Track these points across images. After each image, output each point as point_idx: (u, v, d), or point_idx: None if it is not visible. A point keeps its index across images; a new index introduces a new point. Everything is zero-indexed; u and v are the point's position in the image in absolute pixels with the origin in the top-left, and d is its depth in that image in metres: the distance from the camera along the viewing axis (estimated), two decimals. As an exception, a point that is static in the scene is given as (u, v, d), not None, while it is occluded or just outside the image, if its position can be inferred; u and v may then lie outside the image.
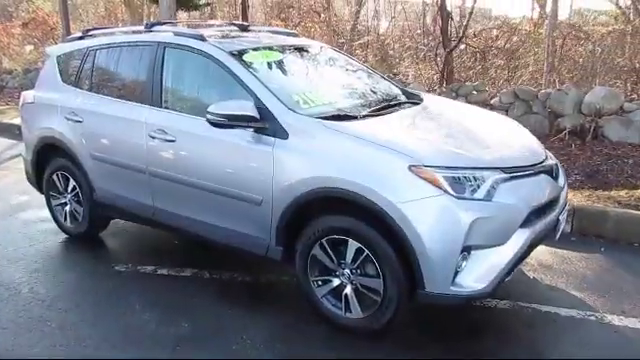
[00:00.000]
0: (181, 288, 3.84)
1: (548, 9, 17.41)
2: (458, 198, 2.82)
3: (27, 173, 4.99)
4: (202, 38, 3.79)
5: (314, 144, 3.16)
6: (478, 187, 2.89)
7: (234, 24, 4.75)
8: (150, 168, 3.85)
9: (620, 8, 14.89)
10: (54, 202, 4.76)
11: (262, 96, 3.37)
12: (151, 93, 3.89)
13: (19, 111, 5.01)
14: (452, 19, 11.42)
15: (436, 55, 11.90)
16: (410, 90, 4.52)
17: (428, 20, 13.73)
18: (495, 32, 12.94)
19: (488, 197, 2.88)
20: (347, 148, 3.07)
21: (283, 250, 3.37)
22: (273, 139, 3.27)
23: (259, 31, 4.62)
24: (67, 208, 4.68)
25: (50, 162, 4.67)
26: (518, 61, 12.18)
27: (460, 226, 2.79)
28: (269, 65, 3.78)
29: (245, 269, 4.05)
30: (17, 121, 9.62)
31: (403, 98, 4.13)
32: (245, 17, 12.39)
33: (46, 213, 5.11)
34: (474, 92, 8.60)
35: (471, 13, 10.76)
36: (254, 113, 3.26)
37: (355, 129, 3.19)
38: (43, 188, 4.81)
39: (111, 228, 4.79)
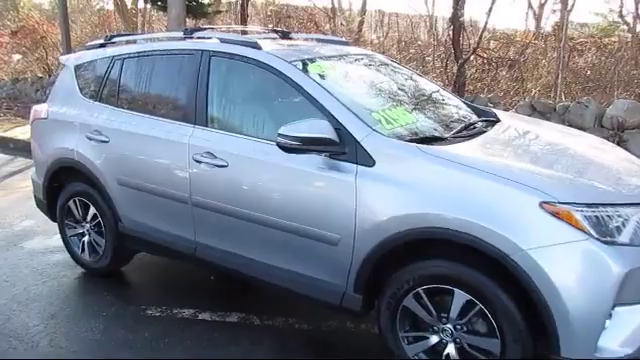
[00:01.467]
0: (230, 339, 3.23)
1: (543, 22, 17.08)
2: (605, 243, 2.25)
3: (37, 198, 4.33)
4: (257, 46, 3.20)
5: (410, 173, 2.58)
6: (623, 227, 2.32)
7: (275, 31, 4.16)
8: (194, 197, 3.23)
9: (624, 20, 14.58)
10: (69, 232, 4.11)
11: (339, 115, 2.78)
12: (194, 110, 3.28)
13: (30, 127, 4.32)
14: (465, 30, 10.97)
15: (446, 66, 11.44)
16: (477, 105, 3.95)
17: (423, 32, 13.35)
18: (493, 43, 12.57)
19: (637, 240, 2.31)
20: (455, 179, 2.49)
21: (363, 299, 2.77)
22: (354, 166, 2.68)
23: (305, 39, 4.03)
24: (85, 239, 4.03)
25: (66, 187, 4.02)
26: (528, 73, 11.75)
27: (611, 279, 2.23)
28: (337, 78, 3.19)
29: (301, 313, 3.46)
30: (10, 134, 8.92)
31: (475, 116, 3.57)
32: (244, 25, 11.80)
33: (55, 242, 4.50)
34: (489, 104, 8.12)
35: (486, 23, 10.32)
36: (333, 136, 2.67)
37: (461, 156, 2.61)
38: (56, 216, 4.15)
39: (134, 261, 4.14)
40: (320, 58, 3.30)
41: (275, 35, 4.08)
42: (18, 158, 7.95)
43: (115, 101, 3.74)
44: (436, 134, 2.93)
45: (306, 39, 3.88)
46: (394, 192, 2.59)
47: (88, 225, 3.99)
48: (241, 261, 3.17)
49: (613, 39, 13.59)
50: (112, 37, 4.06)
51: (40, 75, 15.79)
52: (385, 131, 2.78)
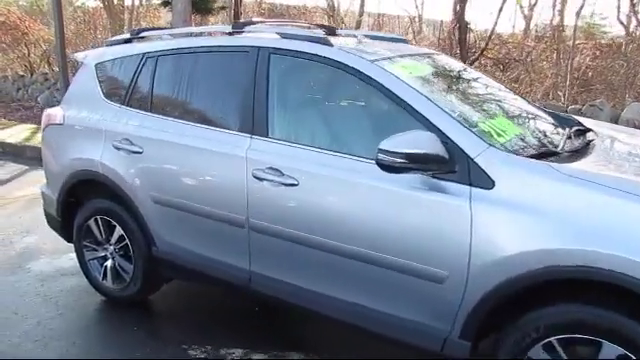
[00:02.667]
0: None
1: (532, 23, 16.77)
2: None
3: (49, 215, 3.75)
4: (327, 42, 2.68)
5: (544, 198, 2.10)
6: None
7: (320, 26, 3.64)
8: (252, 220, 2.70)
9: (622, 23, 14.35)
10: (88, 255, 3.54)
11: (445, 126, 2.29)
12: (251, 117, 2.75)
13: (42, 134, 3.73)
14: (471, 30, 10.58)
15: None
16: (553, 111, 3.49)
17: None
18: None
19: None
20: (605, 206, 2.01)
21: (472, 346, 2.28)
22: (467, 188, 2.19)
23: (354, 35, 3.51)
24: (108, 264, 3.46)
25: (86, 203, 3.46)
26: (534, 75, 11.41)
27: None
28: (426, 81, 2.69)
29: (368, 348, 2.94)
30: (-1, 137, 8.23)
31: (559, 122, 3.11)
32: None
33: (66, 263, 3.99)
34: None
35: (496, 23, 9.92)
36: (442, 152, 2.17)
37: (602, 176, 2.14)
38: (73, 236, 3.57)
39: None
40: (400, 57, 2.79)
41: (320, 31, 3.56)
42: (8, 164, 7.28)
43: (148, 105, 3.18)
44: (551, 148, 2.45)
45: (355, 36, 3.35)
46: (523, 221, 2.10)
47: (112, 248, 3.43)
48: (310, 296, 2.66)
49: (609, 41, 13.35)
50: (140, 31, 3.50)
51: (22, 73, 14.99)
52: (501, 145, 2.28)
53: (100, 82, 3.43)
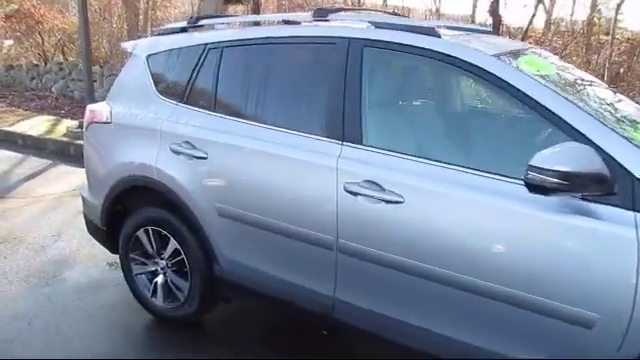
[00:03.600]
0: None
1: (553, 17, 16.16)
2: None
3: (90, 223, 3.34)
4: (434, 33, 2.25)
5: None
6: None
7: (395, 14, 3.20)
8: (342, 241, 2.29)
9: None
10: (136, 269, 3.14)
11: (599, 137, 1.87)
12: (341, 120, 2.32)
13: (84, 133, 3.31)
14: (503, 25, 10.10)
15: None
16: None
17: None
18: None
19: None
20: None
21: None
22: (632, 215, 1.76)
23: (437, 26, 3.06)
24: (159, 280, 3.06)
25: (136, 212, 3.05)
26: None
27: None
28: (555, 83, 2.26)
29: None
30: (17, 129, 7.82)
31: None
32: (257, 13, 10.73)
33: (103, 272, 3.69)
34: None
35: (533, 15, 9.43)
36: (604, 170, 1.75)
37: None
38: (119, 247, 3.16)
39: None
40: (516, 52, 2.36)
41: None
42: (30, 158, 6.87)
43: (211, 104, 2.76)
44: None
45: (438, 27, 2.90)
46: None
47: (164, 262, 3.02)
48: (409, 331, 2.24)
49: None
50: (198, 19, 3.07)
51: (36, 62, 14.58)
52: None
53: (153, 76, 3.01)
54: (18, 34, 16.03)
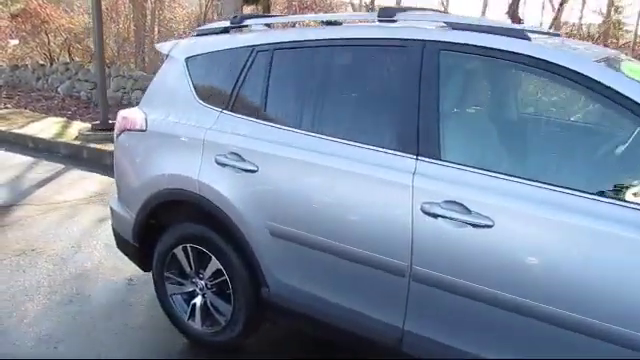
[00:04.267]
0: None
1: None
2: None
3: (120, 237, 3.08)
4: (524, 36, 1.99)
5: None
6: None
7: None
8: (417, 268, 2.03)
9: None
10: (171, 289, 2.88)
11: None
12: (416, 132, 2.07)
13: (115, 141, 3.04)
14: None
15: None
16: None
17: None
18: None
19: None
20: None
21: None
22: None
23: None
24: (197, 301, 2.80)
25: (173, 228, 2.78)
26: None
27: None
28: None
29: None
30: (28, 131, 7.56)
31: None
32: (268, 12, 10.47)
33: (129, 289, 3.46)
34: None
35: (561, 4, 9.13)
36: None
37: None
38: (153, 265, 2.90)
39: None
40: (617, 59, 2.10)
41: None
42: (42, 162, 6.60)
43: (261, 111, 2.50)
44: None
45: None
46: None
47: (204, 283, 2.76)
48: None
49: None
50: (243, 19, 2.80)
51: (42, 62, 14.33)
52: None
53: (193, 80, 2.75)
54: (24, 34, 15.76)
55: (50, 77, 12.81)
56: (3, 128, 7.70)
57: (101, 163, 6.50)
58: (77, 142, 6.96)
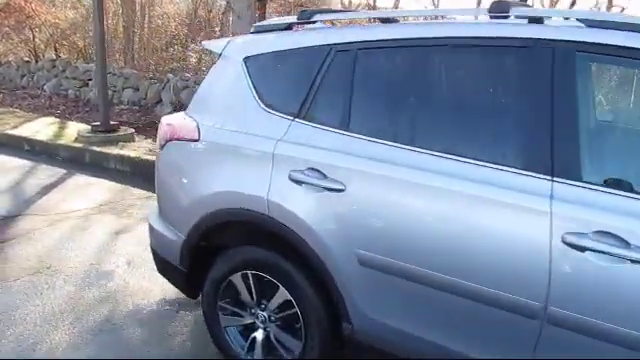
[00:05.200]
0: None
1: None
2: None
3: (161, 259, 2.71)
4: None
5: None
6: None
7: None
8: (554, 309, 1.70)
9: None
10: (226, 320, 2.52)
11: None
12: (549, 149, 1.74)
13: (160, 152, 2.65)
14: None
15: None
16: None
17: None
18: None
19: None
20: None
21: None
22: None
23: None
24: (258, 335, 2.44)
25: (232, 251, 2.41)
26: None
27: None
28: None
29: None
30: (22, 132, 7.07)
31: None
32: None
33: (166, 317, 3.00)
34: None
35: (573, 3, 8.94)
36: None
37: None
38: (203, 293, 2.53)
39: None
40: None
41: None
42: (41, 165, 6.13)
43: (344, 120, 2.14)
44: None
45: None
46: None
47: (266, 315, 2.40)
48: None
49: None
50: (312, 14, 2.42)
51: (27, 59, 13.71)
52: None
53: (255, 84, 2.38)
54: (7, 29, 15.08)
55: (36, 74, 12.23)
56: (-5, 129, 7.19)
57: (105, 167, 6.08)
58: (78, 144, 6.51)
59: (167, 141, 2.56)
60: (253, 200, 2.24)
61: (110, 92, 10.06)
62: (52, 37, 14.28)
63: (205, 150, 2.43)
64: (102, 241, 4.09)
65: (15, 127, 7.40)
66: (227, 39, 2.59)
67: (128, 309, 3.14)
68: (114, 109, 9.06)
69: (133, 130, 7.03)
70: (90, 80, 10.37)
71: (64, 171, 5.92)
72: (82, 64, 11.32)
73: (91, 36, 13.78)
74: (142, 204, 4.86)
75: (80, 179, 5.69)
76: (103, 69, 6.72)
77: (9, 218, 4.45)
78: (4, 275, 3.46)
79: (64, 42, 14.82)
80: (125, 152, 6.12)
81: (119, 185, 5.44)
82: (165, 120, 2.61)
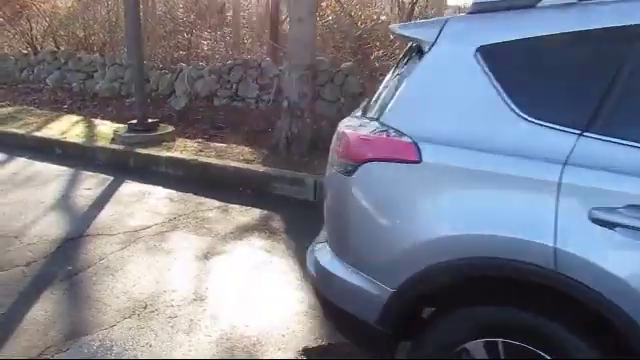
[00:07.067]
0: None
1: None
2: None
3: (341, 313, 2.00)
4: None
5: None
6: None
7: None
8: None
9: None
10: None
11: None
12: None
13: (352, 177, 1.92)
14: None
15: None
16: None
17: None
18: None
19: None
20: None
21: None
22: None
23: None
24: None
25: (469, 311, 1.71)
26: None
27: None
28: None
29: None
30: (50, 134, 6.24)
31: None
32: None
33: None
34: None
35: None
36: None
37: None
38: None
39: None
40: None
41: None
42: (82, 172, 5.33)
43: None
44: None
45: None
46: None
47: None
48: None
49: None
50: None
51: (24, 52, 12.70)
52: None
53: (502, 83, 1.66)
54: (1, 20, 14.00)
55: (36, 68, 11.25)
56: (19, 131, 6.33)
57: (154, 172, 5.30)
58: (118, 147, 5.71)
59: (363, 161, 1.84)
60: (524, 247, 1.55)
61: (117, 84, 9.20)
62: (50, 27, 13.25)
63: (432, 176, 1.72)
64: (193, 268, 3.37)
65: (39, 128, 6.55)
66: (439, 21, 1.86)
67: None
68: (123, 102, 8.23)
69: (173, 128, 6.24)
70: (95, 72, 9.50)
71: (110, 178, 5.13)
72: (85, 55, 10.36)
73: (92, 25, 12.81)
74: (218, 217, 4.13)
75: (131, 187, 4.91)
76: (140, 63, 5.92)
77: (71, 240, 3.69)
78: (98, 320, 2.73)
79: (62, 32, 13.78)
80: (175, 154, 5.35)
81: (179, 193, 4.69)
82: (361, 135, 1.89)
